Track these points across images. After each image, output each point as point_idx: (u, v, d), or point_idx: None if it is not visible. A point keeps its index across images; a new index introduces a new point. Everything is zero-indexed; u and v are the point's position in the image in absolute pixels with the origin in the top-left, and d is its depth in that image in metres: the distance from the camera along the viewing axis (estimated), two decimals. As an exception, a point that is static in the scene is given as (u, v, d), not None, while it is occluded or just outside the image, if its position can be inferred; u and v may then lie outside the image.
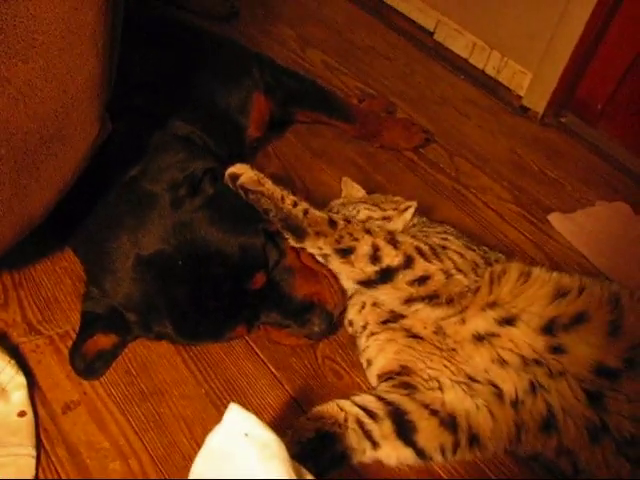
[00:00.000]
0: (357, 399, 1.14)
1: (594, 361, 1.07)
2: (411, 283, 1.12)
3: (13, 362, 1.10)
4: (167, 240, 1.10)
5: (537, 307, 1.12)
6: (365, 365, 1.24)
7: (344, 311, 1.26)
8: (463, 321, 1.15)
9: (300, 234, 1.15)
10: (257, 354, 1.26)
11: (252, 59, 1.68)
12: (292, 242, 1.17)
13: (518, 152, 2.04)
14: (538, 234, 1.74)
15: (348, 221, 1.16)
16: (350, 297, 1.26)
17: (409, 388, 1.14)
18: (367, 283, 1.15)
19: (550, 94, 2.17)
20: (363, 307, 1.25)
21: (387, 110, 2.05)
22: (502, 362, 1.11)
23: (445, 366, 1.14)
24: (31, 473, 0.99)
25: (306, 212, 1.15)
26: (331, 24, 2.45)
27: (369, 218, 1.29)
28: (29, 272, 1.29)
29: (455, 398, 1.12)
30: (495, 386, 1.11)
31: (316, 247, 1.15)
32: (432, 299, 1.13)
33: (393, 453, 1.10)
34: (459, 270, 1.14)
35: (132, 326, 1.15)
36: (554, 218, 1.79)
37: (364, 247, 1.13)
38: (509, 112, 2.22)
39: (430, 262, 1.13)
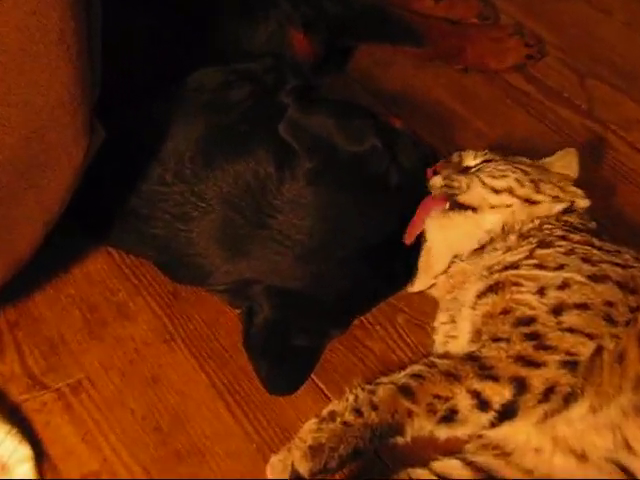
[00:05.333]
0: (436, 465, 0.90)
1: None
2: (537, 402, 0.87)
3: (14, 431, 0.93)
4: None
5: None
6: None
7: None
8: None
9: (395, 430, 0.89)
10: (317, 385, 1.03)
11: None
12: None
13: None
14: None
15: (419, 375, 0.89)
16: None
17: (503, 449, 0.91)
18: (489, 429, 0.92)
19: None
20: None
21: (481, 17, 1.62)
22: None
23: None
24: None
25: (374, 407, 0.88)
26: None
27: (510, 190, 1.04)
28: (26, 306, 1.08)
29: (566, 464, 0.87)
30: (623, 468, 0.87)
31: (416, 430, 0.90)
32: None
33: None
34: (582, 336, 0.89)
35: None
36: None
37: (463, 402, 0.87)
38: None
39: (543, 366, 0.87)
